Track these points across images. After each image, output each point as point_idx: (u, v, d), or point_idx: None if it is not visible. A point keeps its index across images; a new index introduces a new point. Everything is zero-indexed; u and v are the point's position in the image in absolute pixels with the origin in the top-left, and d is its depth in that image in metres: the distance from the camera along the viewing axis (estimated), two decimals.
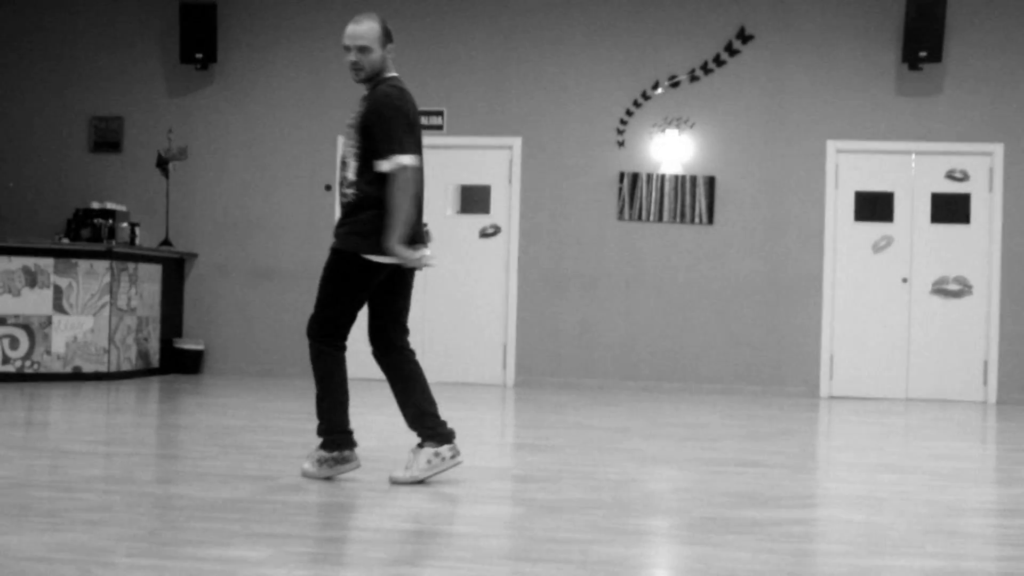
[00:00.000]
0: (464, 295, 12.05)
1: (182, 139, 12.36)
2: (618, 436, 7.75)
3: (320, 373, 5.50)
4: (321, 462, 5.55)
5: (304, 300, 12.15)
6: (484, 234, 12.09)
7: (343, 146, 5.51)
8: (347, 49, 5.44)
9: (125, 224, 11.78)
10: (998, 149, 11.48)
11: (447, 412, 9.14)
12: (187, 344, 12.15)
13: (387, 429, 7.72)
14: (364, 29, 5.42)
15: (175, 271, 12.29)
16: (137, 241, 11.94)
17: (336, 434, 5.53)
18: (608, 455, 6.77)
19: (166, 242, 12.16)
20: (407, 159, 5.29)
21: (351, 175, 5.41)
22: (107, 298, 10.91)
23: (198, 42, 12.17)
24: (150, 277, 11.69)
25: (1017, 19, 11.48)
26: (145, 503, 4.83)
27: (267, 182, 12.36)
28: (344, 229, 5.41)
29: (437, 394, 10.64)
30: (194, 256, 12.40)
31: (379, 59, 5.44)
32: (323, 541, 4.27)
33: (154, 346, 11.83)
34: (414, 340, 12.05)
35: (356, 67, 5.44)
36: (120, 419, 8.20)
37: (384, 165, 5.31)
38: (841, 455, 7.39)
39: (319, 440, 5.84)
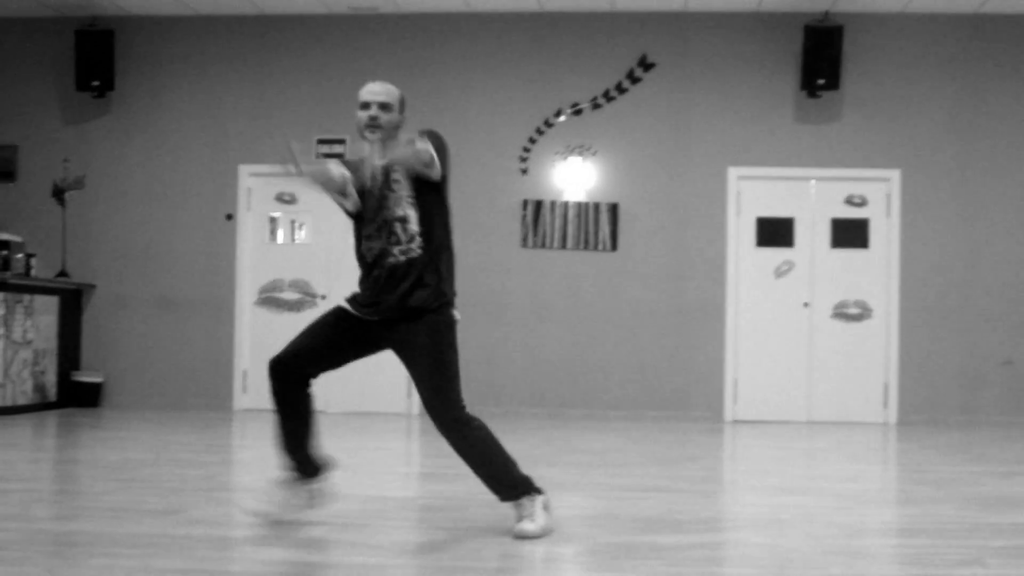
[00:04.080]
0: None
1: (79, 168, 12.14)
2: (524, 463, 7.72)
3: (482, 448, 5.17)
4: (546, 507, 5.16)
5: (205, 331, 11.98)
6: None
7: (381, 208, 5.22)
8: (367, 105, 5.25)
9: (20, 255, 11.51)
10: (895, 175, 11.69)
11: (351, 443, 9.06)
12: (85, 377, 11.91)
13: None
14: (387, 88, 5.28)
15: (73, 302, 12.05)
16: (33, 272, 11.68)
17: (528, 480, 5.22)
18: None
19: (63, 273, 11.93)
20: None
21: (414, 226, 5.15)
22: (1, 331, 10.66)
23: (95, 69, 11.97)
24: (46, 309, 11.45)
25: (912, 47, 11.71)
26: (42, 540, 4.71)
27: (167, 211, 12.18)
28: (429, 290, 5.14)
29: (343, 424, 10.56)
30: (92, 287, 12.18)
31: (397, 119, 5.28)
32: (225, 575, 4.19)
33: (51, 379, 11.57)
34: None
35: (375, 123, 5.23)
36: (15, 455, 8.00)
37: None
38: (745, 478, 7.44)
39: (520, 499, 5.13)
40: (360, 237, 5.31)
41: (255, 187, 12.09)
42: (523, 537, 4.93)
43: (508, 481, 5.15)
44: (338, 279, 11.93)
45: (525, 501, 5.08)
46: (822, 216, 11.79)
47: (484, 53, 12.01)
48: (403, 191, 5.19)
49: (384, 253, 5.18)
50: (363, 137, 5.29)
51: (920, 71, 11.71)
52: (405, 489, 6.61)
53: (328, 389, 11.83)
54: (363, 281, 5.28)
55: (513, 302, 11.86)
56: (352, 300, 5.28)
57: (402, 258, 5.14)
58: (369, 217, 5.27)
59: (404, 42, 12.05)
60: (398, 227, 5.18)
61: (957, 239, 11.64)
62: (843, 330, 11.71)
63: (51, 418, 10.69)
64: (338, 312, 5.30)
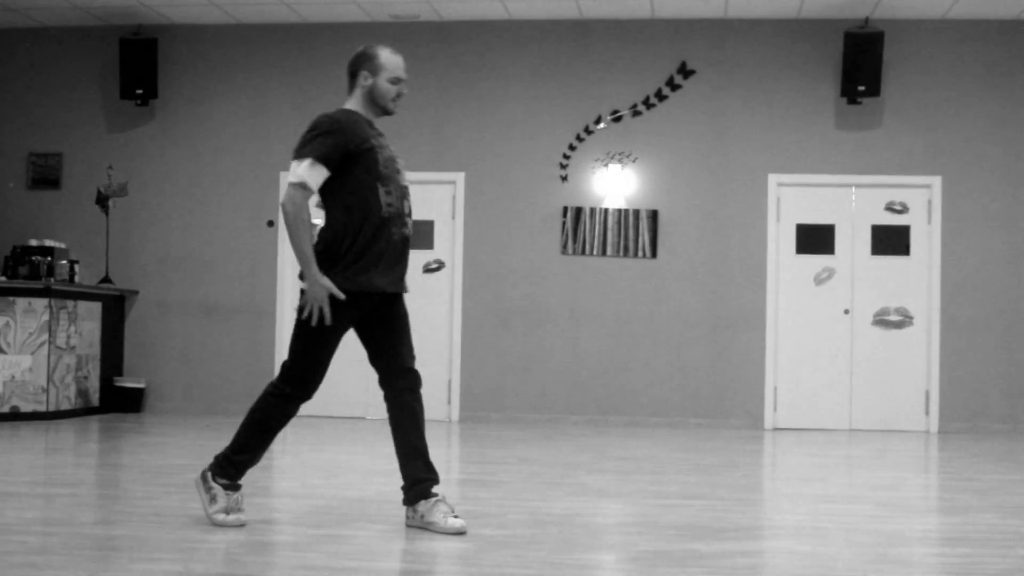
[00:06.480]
0: None
1: (122, 175, 12.25)
2: (564, 470, 7.73)
3: (265, 417, 5.17)
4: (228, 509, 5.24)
5: (246, 337, 12.05)
6: (428, 269, 12.06)
7: (398, 179, 5.16)
8: (399, 81, 5.21)
9: (64, 261, 11.64)
10: (936, 182, 11.62)
11: (390, 449, 9.08)
12: (128, 382, 12.00)
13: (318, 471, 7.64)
14: None
15: (115, 308, 12.16)
16: (76, 278, 11.80)
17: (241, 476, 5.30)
18: (554, 490, 6.74)
19: (106, 279, 12.03)
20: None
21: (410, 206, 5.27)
22: (46, 336, 10.76)
23: (138, 78, 12.08)
24: (90, 315, 11.56)
25: (953, 54, 11.65)
26: (85, 545, 4.75)
27: (209, 218, 12.27)
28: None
29: (382, 431, 10.58)
30: (135, 293, 12.28)
31: None
32: None
33: (94, 385, 11.68)
34: (359, 377, 11.98)
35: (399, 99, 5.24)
36: (59, 459, 8.08)
37: None
38: (786, 486, 7.42)
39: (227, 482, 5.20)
40: (377, 193, 5.08)
41: None
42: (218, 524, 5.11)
43: (239, 460, 5.18)
44: None
45: (219, 485, 5.15)
46: (862, 223, 11.74)
47: (524, 60, 12.03)
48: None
49: (401, 221, 5.17)
50: (385, 108, 5.23)
51: (961, 77, 11.65)
52: (446, 495, 6.61)
53: (367, 396, 11.93)
54: (371, 247, 5.11)
55: (553, 309, 11.87)
56: (366, 277, 5.10)
57: (407, 232, 5.23)
58: (388, 175, 5.13)
59: (445, 50, 12.09)
60: (410, 199, 5.26)
61: (999, 246, 11.56)
62: (884, 337, 11.65)
63: (94, 423, 10.79)
64: (352, 305, 5.10)
